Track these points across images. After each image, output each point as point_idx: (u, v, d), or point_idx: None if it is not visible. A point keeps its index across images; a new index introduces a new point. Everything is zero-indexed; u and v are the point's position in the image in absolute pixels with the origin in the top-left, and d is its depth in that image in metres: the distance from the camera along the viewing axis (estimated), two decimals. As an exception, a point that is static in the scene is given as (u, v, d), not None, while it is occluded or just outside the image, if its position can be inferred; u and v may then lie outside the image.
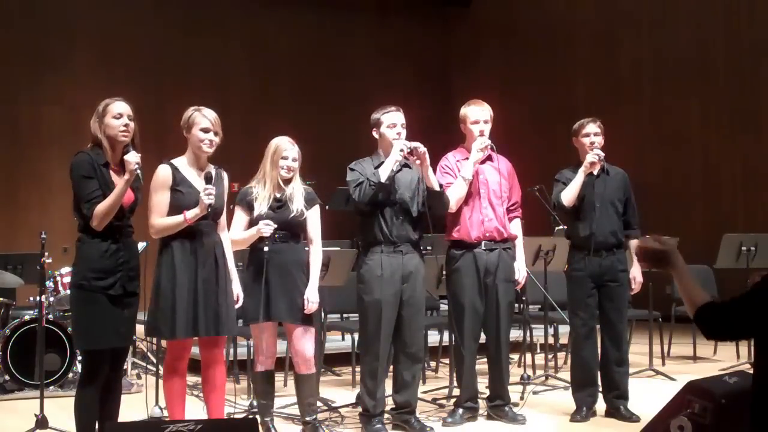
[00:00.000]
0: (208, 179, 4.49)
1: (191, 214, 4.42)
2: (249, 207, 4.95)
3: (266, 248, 4.83)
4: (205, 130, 4.52)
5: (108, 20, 11.71)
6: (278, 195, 4.97)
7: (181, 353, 4.59)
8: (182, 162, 4.57)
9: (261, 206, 4.92)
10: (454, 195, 5.42)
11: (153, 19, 11.99)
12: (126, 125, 4.19)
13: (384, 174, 5.08)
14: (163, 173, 4.49)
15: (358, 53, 13.48)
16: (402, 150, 5.06)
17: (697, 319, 2.79)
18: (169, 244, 4.48)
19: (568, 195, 5.65)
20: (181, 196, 4.47)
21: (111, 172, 4.18)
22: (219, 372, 4.67)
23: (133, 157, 4.13)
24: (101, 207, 4.09)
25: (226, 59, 12.55)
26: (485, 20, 13.89)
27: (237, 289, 4.78)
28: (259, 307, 4.82)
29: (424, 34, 14.15)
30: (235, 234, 4.90)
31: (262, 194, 4.95)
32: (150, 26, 11.98)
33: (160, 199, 4.47)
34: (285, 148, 4.98)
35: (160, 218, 4.46)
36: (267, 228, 4.83)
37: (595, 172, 5.70)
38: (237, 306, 4.78)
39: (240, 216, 4.97)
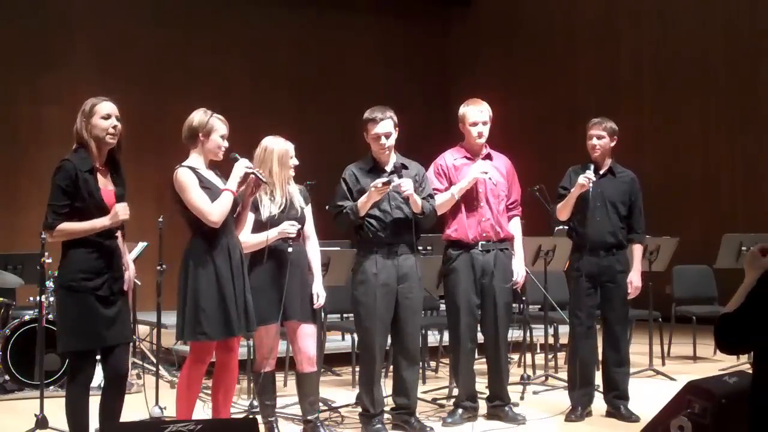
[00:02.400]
0: (234, 159, 4.55)
1: (232, 185, 4.46)
2: (255, 208, 4.91)
3: (290, 249, 4.85)
4: (224, 137, 4.56)
5: (108, 20, 11.70)
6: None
7: (208, 355, 4.57)
8: (197, 164, 4.56)
9: (271, 208, 4.90)
10: (442, 206, 5.42)
11: (152, 18, 11.99)
12: (114, 126, 4.14)
13: (362, 210, 5.09)
14: (187, 174, 4.47)
15: (357, 53, 13.47)
16: (382, 186, 5.02)
17: (714, 331, 2.74)
18: (203, 242, 4.46)
19: (563, 210, 5.67)
20: (209, 193, 4.47)
21: (98, 175, 4.14)
22: (235, 374, 4.69)
23: (123, 212, 4.10)
24: (65, 228, 4.07)
25: (225, 59, 12.54)
26: (485, 20, 13.89)
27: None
28: (274, 308, 4.82)
29: (424, 34, 14.14)
30: (249, 236, 4.84)
31: (268, 196, 4.93)
32: (149, 26, 11.97)
33: (198, 193, 4.43)
34: (291, 151, 5.00)
35: (210, 205, 4.42)
36: (293, 228, 4.85)
37: (601, 172, 5.67)
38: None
39: (248, 217, 4.87)
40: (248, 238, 4.84)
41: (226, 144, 4.57)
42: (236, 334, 4.49)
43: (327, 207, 5.30)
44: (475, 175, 5.40)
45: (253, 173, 4.55)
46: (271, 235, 4.85)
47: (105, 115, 4.13)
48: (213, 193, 4.46)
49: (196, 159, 4.57)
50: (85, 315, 4.10)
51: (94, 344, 4.15)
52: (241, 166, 4.51)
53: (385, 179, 5.01)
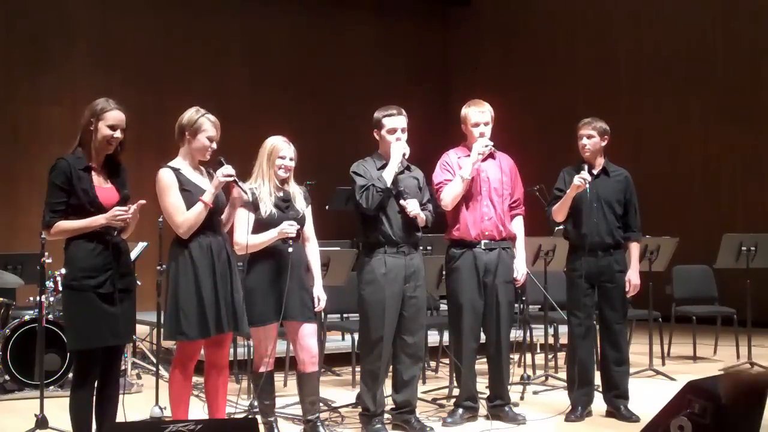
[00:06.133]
0: (219, 163, 4.52)
1: (207, 196, 4.43)
2: (255, 207, 4.90)
3: (290, 249, 4.83)
4: (211, 139, 4.53)
5: (107, 20, 11.71)
6: (281, 194, 4.97)
7: (193, 354, 4.57)
8: (181, 164, 4.55)
9: (267, 206, 4.90)
10: (451, 193, 5.43)
11: (152, 19, 12.00)
12: (116, 138, 4.17)
13: (388, 178, 5.12)
14: (167, 175, 4.47)
15: (357, 52, 13.48)
16: (404, 154, 5.12)
17: None
18: (184, 243, 4.46)
19: (559, 212, 5.67)
20: (189, 195, 4.46)
21: (92, 174, 4.16)
22: (225, 373, 4.68)
23: (115, 214, 4.10)
24: (62, 226, 4.10)
25: (224, 59, 12.55)
26: (485, 20, 13.89)
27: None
28: (273, 308, 4.82)
29: (424, 34, 14.16)
30: (250, 237, 4.81)
31: (264, 194, 4.93)
32: (149, 26, 11.98)
33: (175, 199, 4.45)
34: (281, 148, 4.97)
35: (183, 215, 4.43)
36: (292, 228, 4.83)
37: (595, 172, 5.69)
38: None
39: (247, 217, 4.86)
40: (250, 239, 4.82)
41: (213, 146, 4.53)
42: (213, 334, 4.45)
43: (327, 207, 5.30)
44: (479, 149, 5.41)
45: (233, 181, 4.51)
46: (271, 235, 4.84)
47: (111, 125, 4.16)
48: (193, 196, 4.45)
49: (182, 159, 4.56)
50: (86, 314, 4.11)
51: (97, 343, 4.14)
52: (220, 174, 4.48)
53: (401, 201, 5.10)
